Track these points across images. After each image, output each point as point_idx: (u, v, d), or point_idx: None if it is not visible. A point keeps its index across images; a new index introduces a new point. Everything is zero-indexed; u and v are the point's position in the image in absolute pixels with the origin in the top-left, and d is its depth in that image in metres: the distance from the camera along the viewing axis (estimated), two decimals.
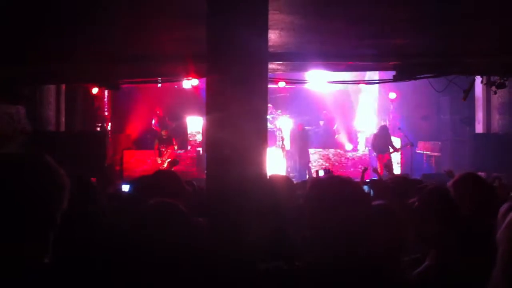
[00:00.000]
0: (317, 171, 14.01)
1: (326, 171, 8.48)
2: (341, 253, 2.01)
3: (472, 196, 3.37)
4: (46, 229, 1.65)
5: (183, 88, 12.59)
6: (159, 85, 15.98)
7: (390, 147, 13.50)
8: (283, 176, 4.19)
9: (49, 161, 1.70)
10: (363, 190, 2.23)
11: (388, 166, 13.10)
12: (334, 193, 2.08)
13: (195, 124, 16.46)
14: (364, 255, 2.01)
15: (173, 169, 13.16)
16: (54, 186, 1.66)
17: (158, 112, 16.35)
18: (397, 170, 14.41)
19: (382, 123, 15.61)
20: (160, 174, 3.67)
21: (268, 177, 3.22)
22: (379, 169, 12.91)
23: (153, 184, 3.20)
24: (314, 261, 2.07)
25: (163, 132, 13.75)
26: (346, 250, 2.01)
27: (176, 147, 13.88)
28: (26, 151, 1.88)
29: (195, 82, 11.18)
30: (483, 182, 3.62)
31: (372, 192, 5.41)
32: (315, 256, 2.08)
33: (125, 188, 6.92)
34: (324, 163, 15.06)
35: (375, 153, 13.90)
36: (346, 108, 17.58)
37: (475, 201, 3.34)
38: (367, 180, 7.85)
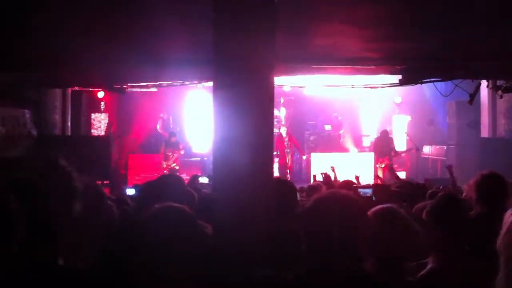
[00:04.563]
0: (314, 175, 13.99)
1: (325, 175, 8.46)
2: (334, 266, 2.02)
3: (489, 197, 3.38)
4: (59, 231, 1.65)
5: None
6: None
7: (392, 151, 13.50)
8: (286, 180, 4.18)
9: (64, 165, 1.70)
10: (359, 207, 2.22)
11: (390, 169, 13.07)
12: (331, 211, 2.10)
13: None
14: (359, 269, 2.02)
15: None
16: (68, 189, 1.66)
17: (162, 115, 16.39)
18: (402, 174, 14.36)
19: (388, 128, 15.57)
20: (164, 179, 3.66)
21: (273, 179, 3.20)
22: (380, 173, 12.92)
23: (158, 189, 3.19)
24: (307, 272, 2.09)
25: (172, 138, 13.71)
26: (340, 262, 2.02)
27: (182, 152, 13.87)
28: (32, 155, 1.88)
29: (199, 85, 11.22)
30: (504, 183, 3.62)
31: (374, 197, 5.38)
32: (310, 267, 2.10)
33: (130, 192, 6.93)
34: None
35: (375, 158, 13.92)
36: (351, 112, 17.53)
37: (492, 202, 3.34)
38: (371, 184, 7.82)
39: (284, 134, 14.32)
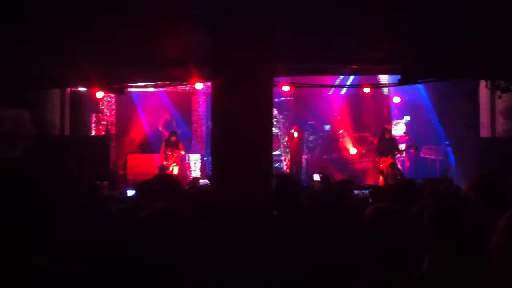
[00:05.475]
0: (311, 175, 14.02)
1: (322, 175, 8.47)
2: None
3: (489, 197, 3.38)
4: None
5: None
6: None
7: (394, 150, 13.59)
8: (288, 175, 4.18)
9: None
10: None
11: (393, 168, 13.13)
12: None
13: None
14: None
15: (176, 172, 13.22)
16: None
17: (165, 116, 16.45)
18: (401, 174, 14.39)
19: (387, 127, 15.57)
20: (158, 179, 3.67)
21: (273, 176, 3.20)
22: (382, 172, 12.97)
23: (154, 189, 3.20)
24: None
25: (172, 137, 13.72)
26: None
27: (183, 152, 13.88)
28: (29, 155, 1.89)
29: (199, 86, 11.19)
30: (501, 183, 3.62)
31: (370, 199, 5.38)
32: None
33: (130, 193, 6.95)
34: None
35: (378, 157, 13.96)
36: (351, 111, 17.52)
37: (491, 202, 3.34)
38: (370, 185, 7.82)
39: (295, 135, 14.53)
